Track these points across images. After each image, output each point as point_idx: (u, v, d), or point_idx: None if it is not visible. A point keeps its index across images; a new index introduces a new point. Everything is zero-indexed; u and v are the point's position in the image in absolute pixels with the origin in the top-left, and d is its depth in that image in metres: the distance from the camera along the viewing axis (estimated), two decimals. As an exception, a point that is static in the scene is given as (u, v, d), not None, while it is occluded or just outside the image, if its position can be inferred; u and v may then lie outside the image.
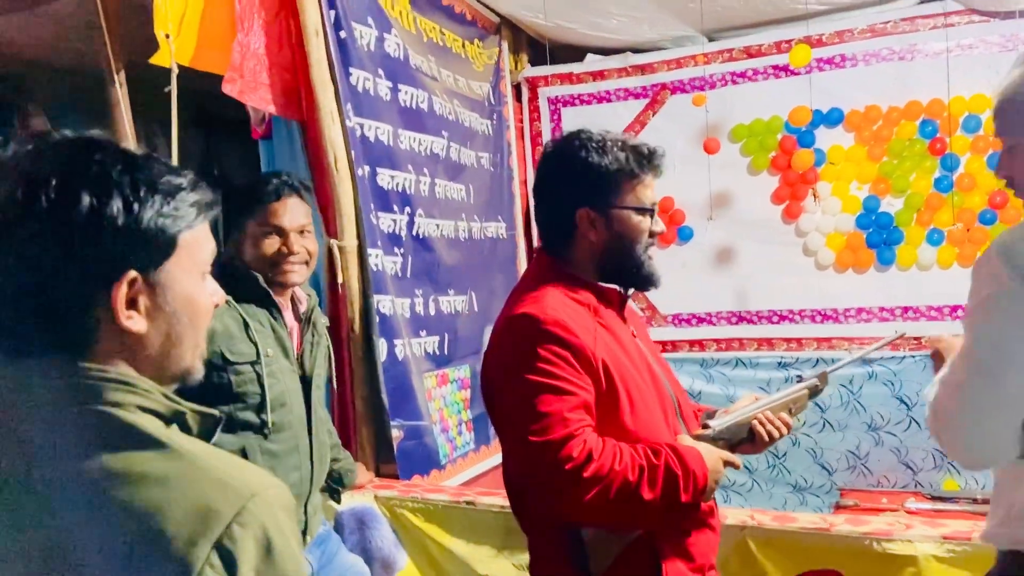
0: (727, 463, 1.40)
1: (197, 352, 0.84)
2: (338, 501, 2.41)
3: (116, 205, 0.72)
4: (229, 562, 0.67)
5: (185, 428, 0.79)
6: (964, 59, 3.55)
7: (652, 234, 1.48)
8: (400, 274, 3.07)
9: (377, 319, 2.80)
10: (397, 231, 3.06)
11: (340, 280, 2.64)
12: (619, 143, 1.44)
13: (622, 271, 1.46)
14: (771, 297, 4.01)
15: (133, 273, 0.74)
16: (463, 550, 2.38)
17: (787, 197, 3.93)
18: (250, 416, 1.79)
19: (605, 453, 1.26)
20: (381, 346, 2.82)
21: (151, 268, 0.76)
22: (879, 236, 3.76)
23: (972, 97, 3.53)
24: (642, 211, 1.46)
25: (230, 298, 1.81)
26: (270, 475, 0.77)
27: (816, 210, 3.89)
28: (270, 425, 1.80)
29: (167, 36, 2.26)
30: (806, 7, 3.61)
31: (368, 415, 2.70)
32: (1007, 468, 1.24)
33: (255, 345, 1.80)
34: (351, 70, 2.78)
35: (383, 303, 2.86)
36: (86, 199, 0.71)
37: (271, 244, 1.90)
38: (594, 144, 1.42)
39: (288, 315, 1.94)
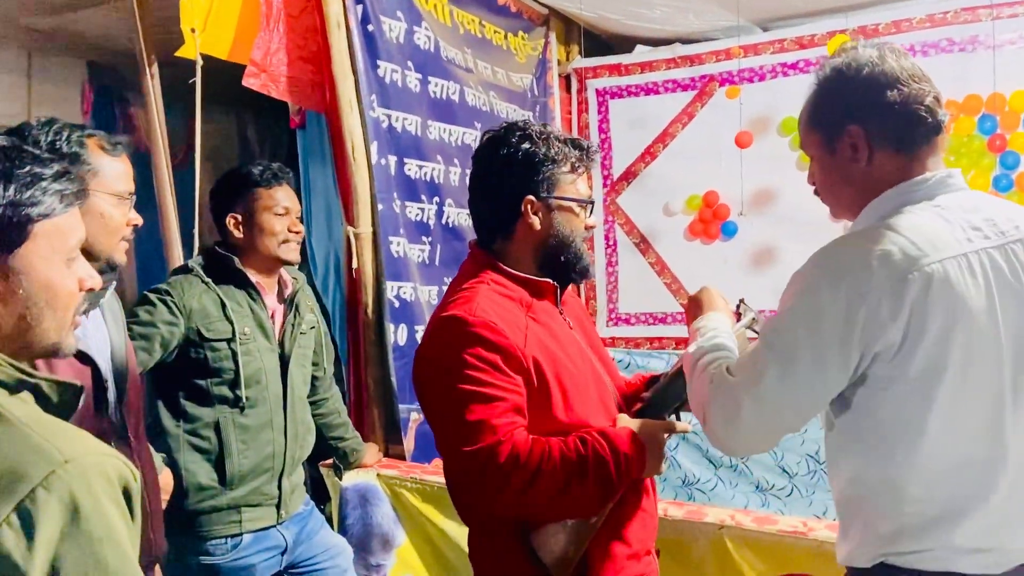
0: (668, 430, 1.42)
1: (62, 331, 0.88)
2: (340, 477, 2.52)
3: None
4: (28, 523, 0.71)
5: (44, 398, 0.84)
6: (1029, 51, 3.33)
7: (588, 227, 1.48)
8: (427, 262, 3.15)
9: (397, 303, 2.89)
10: (425, 220, 3.14)
11: (355, 266, 2.73)
12: (561, 136, 1.45)
13: (561, 263, 1.46)
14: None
15: None
16: (456, 531, 2.44)
17: (836, 194, 3.78)
18: (225, 391, 1.91)
19: (532, 454, 1.28)
20: (401, 331, 2.90)
21: (2, 253, 0.81)
22: (931, 236, 3.58)
23: (1036, 91, 3.32)
24: (583, 203, 1.47)
25: (209, 279, 1.93)
26: (99, 444, 0.80)
27: (867, 208, 3.73)
28: (244, 400, 1.91)
29: (193, 31, 2.40)
30: (849, -3, 3.46)
31: (379, 397, 2.80)
32: (849, 488, 1.22)
33: (231, 324, 1.91)
34: (378, 62, 2.86)
35: (404, 289, 2.94)
36: None
37: (281, 223, 2.02)
38: (538, 135, 1.42)
39: (271, 297, 2.05)
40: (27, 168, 0.82)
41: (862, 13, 3.60)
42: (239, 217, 2.01)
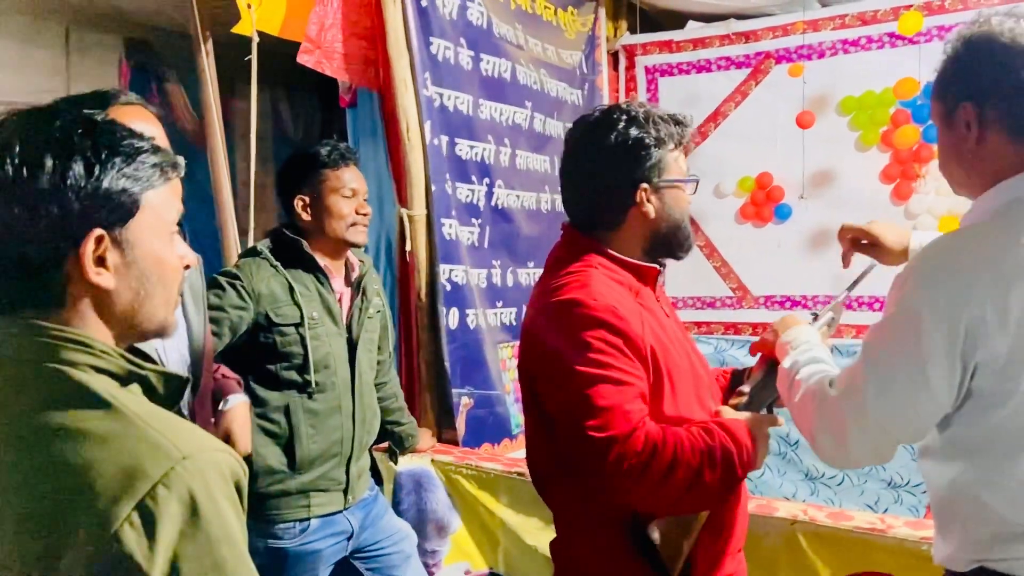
0: (772, 424, 1.38)
1: (169, 308, 0.87)
2: (396, 462, 2.49)
3: (78, 168, 0.76)
4: (150, 522, 0.69)
5: (151, 389, 0.82)
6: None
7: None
8: (477, 244, 3.10)
9: (449, 287, 2.85)
10: (475, 201, 3.08)
11: (408, 248, 2.68)
12: (661, 116, 1.39)
13: (671, 245, 1.42)
14: (873, 283, 3.72)
15: (99, 231, 0.78)
16: (512, 519, 2.41)
17: (897, 176, 3.66)
18: (294, 375, 1.88)
19: (667, 444, 1.23)
20: (453, 315, 2.86)
21: (117, 227, 0.79)
22: (998, 221, 3.45)
23: (1118, 68, 3.15)
24: (691, 182, 1.42)
25: (278, 263, 1.90)
26: (213, 439, 0.78)
27: (930, 191, 3.61)
28: (313, 385, 1.88)
29: (249, 6, 2.35)
30: (920, -31, 3.31)
31: (431, 382, 2.76)
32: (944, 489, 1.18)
33: (299, 308, 1.88)
34: (431, 39, 2.80)
35: (456, 272, 2.89)
36: (48, 163, 0.76)
37: (349, 205, 1.98)
38: (642, 118, 1.36)
39: (338, 281, 2.01)
40: (127, 142, 0.81)
41: (929, -13, 3.44)
42: (306, 199, 1.97)
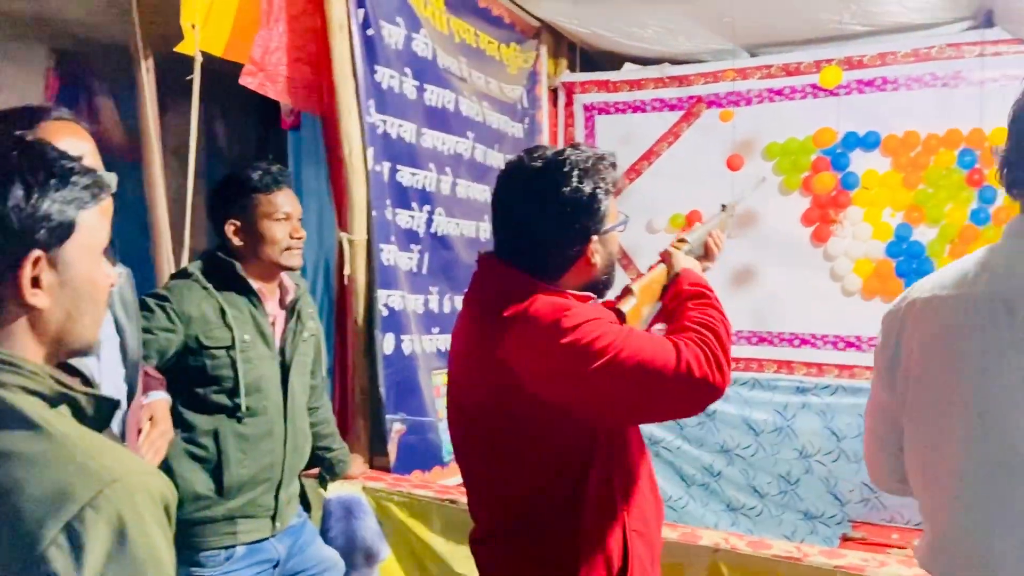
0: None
1: (97, 327, 0.87)
2: (325, 488, 2.46)
3: (17, 191, 0.77)
4: (77, 544, 0.69)
5: (80, 411, 0.82)
6: (1009, 89, 3.40)
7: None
8: (415, 270, 3.12)
9: (386, 312, 2.85)
10: (415, 228, 3.11)
11: (347, 273, 2.69)
12: (603, 160, 1.40)
13: (601, 286, 1.45)
14: (794, 320, 3.95)
15: (37, 252, 0.78)
16: (443, 547, 2.41)
17: (816, 219, 3.86)
18: (224, 399, 1.86)
19: (694, 330, 1.34)
20: (388, 340, 2.86)
21: (54, 247, 0.80)
22: (909, 265, 3.66)
23: (1015, 129, 3.41)
24: (623, 224, 1.45)
25: (209, 285, 1.88)
26: (142, 462, 0.79)
27: (846, 235, 3.81)
28: (243, 409, 1.86)
29: (193, 26, 2.34)
30: (840, 27, 3.54)
31: (365, 407, 2.75)
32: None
33: (231, 331, 1.86)
34: (376, 67, 2.83)
35: (393, 298, 2.90)
36: None
37: (283, 229, 1.97)
38: (591, 168, 1.37)
39: (271, 304, 2.00)
40: (61, 162, 0.83)
41: (849, 44, 3.67)
42: (238, 224, 1.95)
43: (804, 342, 3.92)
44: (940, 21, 3.54)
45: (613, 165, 1.43)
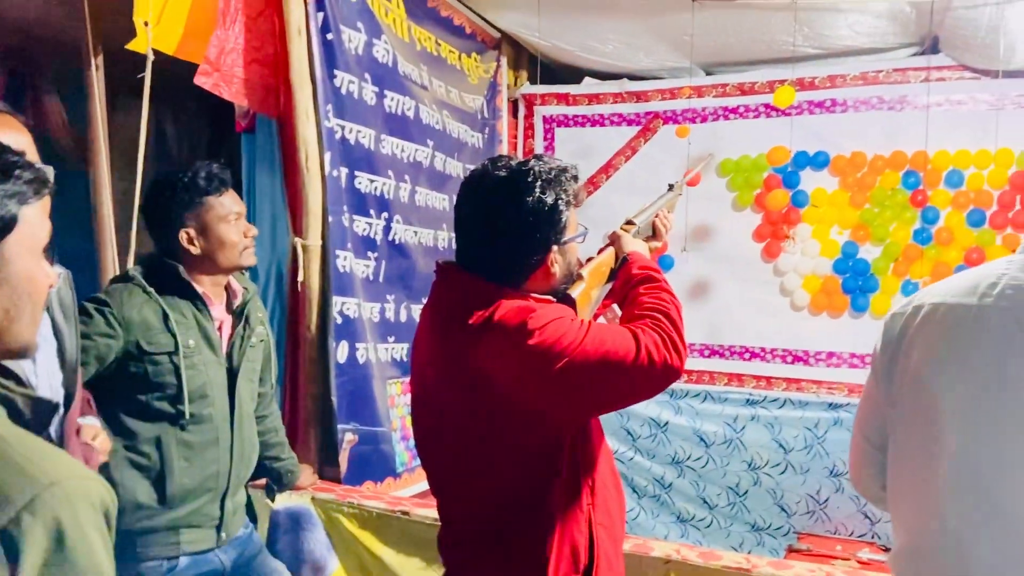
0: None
1: (35, 327, 0.84)
2: (272, 499, 2.41)
3: None
4: (12, 549, 0.66)
5: (16, 413, 0.79)
6: (952, 114, 3.56)
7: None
8: (372, 278, 3.09)
9: (340, 320, 2.81)
10: (372, 235, 3.08)
11: (301, 279, 2.64)
12: (565, 172, 1.41)
13: (559, 292, 1.46)
14: (744, 333, 4.01)
15: None
16: (393, 560, 2.38)
17: (768, 235, 3.93)
18: (166, 406, 1.80)
19: (648, 316, 1.38)
20: (343, 348, 2.82)
21: None
22: (855, 282, 3.76)
23: (956, 152, 3.54)
24: (583, 235, 1.46)
25: (151, 290, 1.83)
26: (82, 466, 0.76)
27: (796, 251, 3.90)
28: (187, 416, 1.81)
29: (145, 24, 2.29)
30: (793, 48, 3.62)
31: (316, 416, 2.71)
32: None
33: (174, 337, 1.81)
34: (336, 72, 2.80)
35: (348, 306, 2.87)
36: None
37: (237, 231, 1.92)
38: (554, 178, 1.38)
39: (218, 308, 1.95)
40: (3, 156, 0.80)
41: (802, 66, 3.76)
42: (192, 232, 1.88)
43: (754, 355, 3.99)
44: (888, 46, 3.65)
45: (575, 177, 1.44)
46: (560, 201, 1.37)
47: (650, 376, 1.32)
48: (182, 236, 1.88)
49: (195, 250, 1.88)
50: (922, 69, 3.57)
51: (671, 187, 1.95)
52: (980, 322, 1.13)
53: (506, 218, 1.36)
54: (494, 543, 1.39)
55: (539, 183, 1.36)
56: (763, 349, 3.98)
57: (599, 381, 1.30)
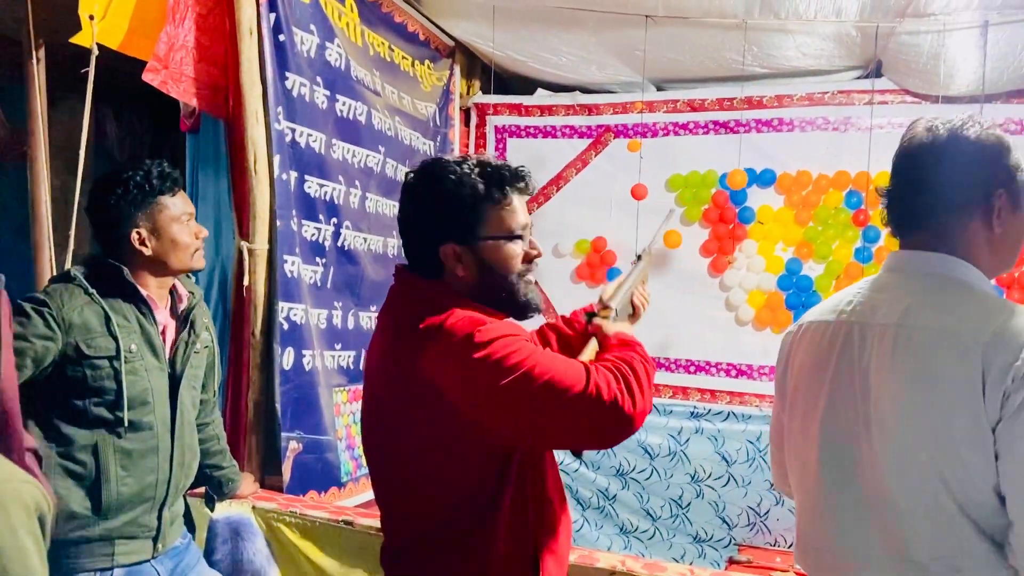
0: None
1: None
2: (212, 509, 2.34)
3: None
4: None
5: None
6: (894, 136, 3.62)
7: (529, 258, 1.41)
8: (319, 284, 3.04)
9: (287, 326, 2.76)
10: (321, 240, 3.03)
11: (246, 283, 2.59)
12: (476, 167, 1.36)
13: (498, 302, 1.40)
14: (690, 347, 4.07)
15: None
16: (336, 570, 2.33)
17: (715, 251, 4.00)
18: (104, 412, 1.73)
19: (611, 363, 1.31)
20: (288, 355, 2.77)
21: None
22: (798, 298, 3.85)
23: (897, 174, 3.65)
24: (511, 237, 1.39)
25: (94, 291, 1.76)
26: (16, 469, 0.73)
27: (741, 267, 3.97)
28: (125, 423, 1.74)
29: (91, 17, 2.22)
30: (742, 67, 3.70)
31: (259, 424, 2.65)
32: None
33: (116, 340, 1.74)
34: (287, 74, 2.76)
35: (295, 311, 2.81)
36: None
37: (190, 231, 1.88)
38: (450, 172, 1.34)
39: (162, 313, 1.89)
40: None
41: (750, 85, 3.85)
42: (143, 232, 1.82)
43: (699, 369, 4.05)
44: (833, 68, 3.76)
45: (495, 171, 1.38)
46: (450, 189, 1.33)
47: (596, 411, 1.23)
48: (133, 236, 1.81)
49: (146, 251, 1.82)
50: (866, 92, 3.68)
51: (639, 257, 1.86)
52: (835, 335, 1.30)
53: (412, 210, 1.37)
54: (435, 556, 1.36)
55: (432, 173, 1.35)
56: (708, 363, 4.04)
57: (542, 405, 1.24)
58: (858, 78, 3.80)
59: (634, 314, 1.70)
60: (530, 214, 1.46)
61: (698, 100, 4.01)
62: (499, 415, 1.27)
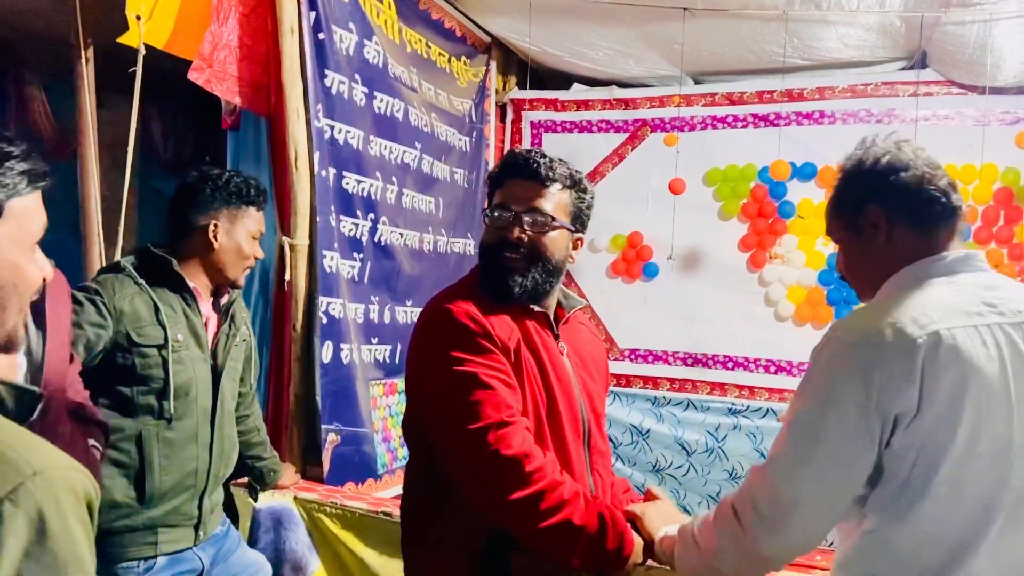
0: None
1: (20, 319, 0.83)
2: (255, 499, 2.39)
3: None
4: None
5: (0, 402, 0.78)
6: (939, 129, 3.60)
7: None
8: (357, 279, 3.07)
9: (326, 320, 2.80)
10: (358, 236, 3.07)
11: (287, 278, 2.63)
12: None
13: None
14: (728, 343, 4.03)
15: None
16: (375, 561, 2.36)
17: (754, 245, 3.96)
18: (151, 401, 1.78)
19: (546, 458, 1.28)
20: (327, 348, 2.81)
21: None
22: (839, 294, 3.79)
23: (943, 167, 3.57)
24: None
25: (142, 281, 1.81)
26: (65, 456, 0.75)
27: (781, 262, 3.92)
28: (171, 412, 1.79)
29: (138, 18, 2.27)
30: (783, 60, 3.65)
31: (300, 416, 2.69)
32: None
33: (164, 329, 1.79)
34: (326, 72, 2.79)
35: (334, 306, 2.85)
36: None
37: (253, 248, 1.96)
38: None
39: (206, 305, 1.94)
40: None
41: (791, 77, 3.79)
42: (219, 226, 1.90)
43: (737, 365, 4.01)
44: (877, 59, 3.69)
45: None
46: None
47: (483, 462, 1.25)
48: (211, 226, 1.88)
49: (215, 244, 1.90)
50: (910, 83, 3.61)
51: None
52: (994, 340, 1.19)
53: None
54: (406, 537, 1.48)
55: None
56: (746, 359, 3.99)
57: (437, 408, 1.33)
58: (902, 69, 3.72)
59: None
60: (591, 211, 1.50)
61: (737, 93, 3.97)
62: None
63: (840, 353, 1.15)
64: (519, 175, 1.44)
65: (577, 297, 1.61)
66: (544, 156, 1.44)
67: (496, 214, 1.43)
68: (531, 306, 1.44)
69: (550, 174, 1.43)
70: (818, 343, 1.21)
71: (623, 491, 1.63)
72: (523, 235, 1.40)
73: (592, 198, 1.52)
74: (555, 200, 1.43)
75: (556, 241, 1.43)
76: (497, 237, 1.42)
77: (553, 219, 1.42)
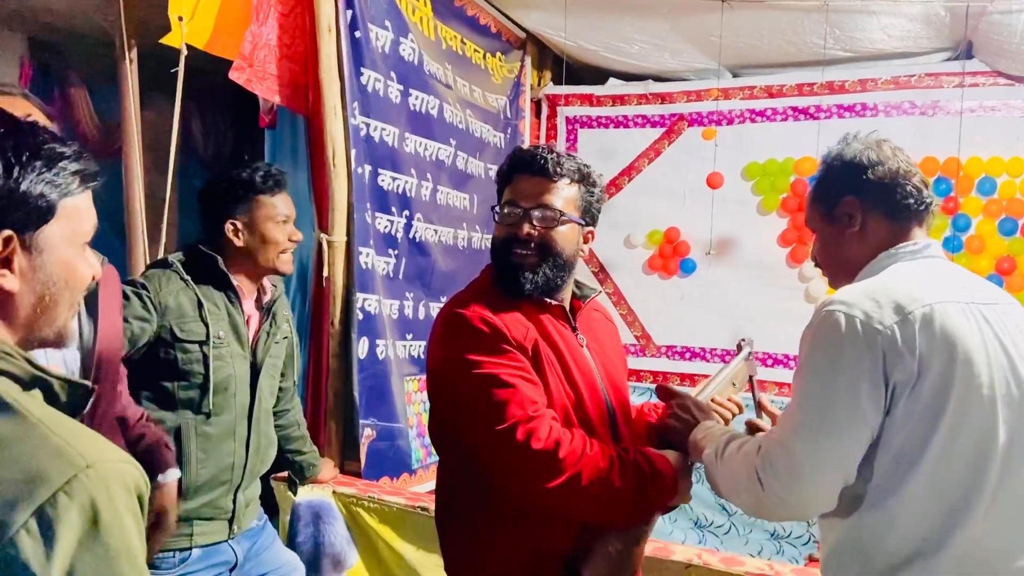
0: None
1: (71, 315, 0.85)
2: (295, 492, 2.42)
3: None
4: (48, 529, 0.66)
5: (52, 396, 0.79)
6: (986, 120, 3.51)
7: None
8: (392, 275, 3.09)
9: (362, 316, 2.82)
10: (393, 232, 3.08)
11: (326, 274, 2.65)
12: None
13: None
14: (767, 340, 3.96)
15: (8, 232, 0.76)
16: (412, 555, 2.38)
17: (794, 240, 3.90)
18: (191, 395, 1.81)
19: (575, 439, 1.28)
20: (363, 344, 2.83)
21: (29, 230, 0.78)
22: (881, 289, 3.71)
23: (989, 159, 3.49)
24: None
25: (188, 277, 1.85)
26: (117, 449, 0.76)
27: (822, 256, 3.85)
28: (210, 407, 1.82)
29: (180, 19, 2.31)
30: (823, 51, 3.58)
31: (338, 411, 2.71)
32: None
33: (206, 326, 1.82)
34: (362, 70, 2.81)
35: (369, 302, 2.87)
36: None
37: (283, 232, 1.96)
38: None
39: (248, 303, 1.96)
40: (49, 146, 0.80)
41: (831, 69, 3.72)
42: (238, 224, 1.92)
43: (776, 362, 3.95)
44: (921, 50, 3.61)
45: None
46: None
47: (515, 454, 1.26)
48: (228, 227, 1.91)
49: (238, 242, 1.92)
50: (956, 74, 3.52)
51: (739, 348, 1.70)
52: (970, 316, 1.27)
53: None
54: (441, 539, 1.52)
55: None
56: (786, 356, 3.94)
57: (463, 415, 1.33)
58: (947, 60, 3.63)
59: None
60: (602, 205, 1.49)
61: (776, 86, 3.90)
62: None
63: (840, 325, 1.20)
64: (527, 171, 1.45)
65: (589, 285, 1.62)
66: (552, 151, 1.45)
67: (505, 211, 1.44)
68: (546, 300, 1.45)
69: (558, 169, 1.43)
70: (810, 322, 1.25)
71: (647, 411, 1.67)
72: (533, 231, 1.41)
73: (601, 191, 1.52)
74: (564, 195, 1.44)
75: (566, 235, 1.43)
76: (507, 234, 1.43)
77: (562, 214, 1.42)
